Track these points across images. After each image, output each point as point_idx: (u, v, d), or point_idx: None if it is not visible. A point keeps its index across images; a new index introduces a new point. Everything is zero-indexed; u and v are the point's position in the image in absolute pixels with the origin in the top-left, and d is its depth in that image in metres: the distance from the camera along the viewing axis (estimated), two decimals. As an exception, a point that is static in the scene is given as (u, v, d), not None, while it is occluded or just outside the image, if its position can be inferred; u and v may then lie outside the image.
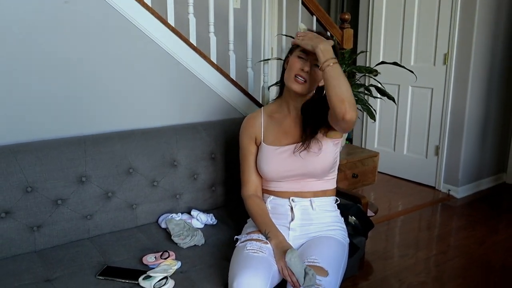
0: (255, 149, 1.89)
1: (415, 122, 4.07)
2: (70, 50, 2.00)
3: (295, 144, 1.78)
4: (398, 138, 4.23)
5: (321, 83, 1.76)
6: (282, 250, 1.63)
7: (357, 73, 2.54)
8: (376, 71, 2.41)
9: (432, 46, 3.82)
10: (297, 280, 1.50)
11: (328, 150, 1.78)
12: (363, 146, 4.55)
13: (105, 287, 1.58)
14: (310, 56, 1.69)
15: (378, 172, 4.31)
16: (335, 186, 1.89)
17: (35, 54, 1.93)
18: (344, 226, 1.87)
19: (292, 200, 1.79)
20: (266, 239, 1.71)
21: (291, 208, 1.79)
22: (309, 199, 1.79)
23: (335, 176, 1.88)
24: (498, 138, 4.01)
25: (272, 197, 1.85)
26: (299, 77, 1.70)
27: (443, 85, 3.77)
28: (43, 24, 1.91)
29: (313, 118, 1.78)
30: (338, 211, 1.89)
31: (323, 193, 1.83)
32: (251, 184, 1.90)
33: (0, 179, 1.75)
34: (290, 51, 1.79)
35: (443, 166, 3.88)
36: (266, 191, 1.89)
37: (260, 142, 1.87)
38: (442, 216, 3.51)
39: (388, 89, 4.06)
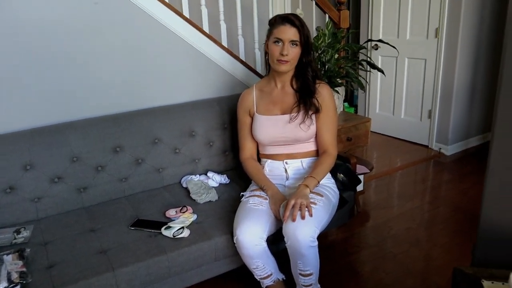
0: (249, 120, 1.91)
1: (411, 89, 3.97)
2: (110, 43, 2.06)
3: (286, 115, 1.80)
4: (397, 103, 4.15)
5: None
6: (276, 198, 1.69)
7: (349, 50, 2.48)
8: (363, 47, 2.35)
9: (425, 21, 3.66)
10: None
11: (313, 123, 1.80)
12: (366, 112, 4.48)
13: (135, 235, 1.67)
14: (285, 38, 1.69)
15: (379, 133, 4.30)
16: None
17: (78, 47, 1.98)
18: (333, 180, 1.89)
19: (286, 162, 1.83)
20: (263, 191, 1.76)
21: (286, 170, 1.84)
22: (299, 160, 1.83)
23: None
24: (484, 102, 3.85)
25: (269, 160, 1.88)
26: (281, 60, 1.71)
27: (435, 56, 3.64)
28: (77, 24, 1.97)
29: (304, 97, 1.79)
30: None
31: (312, 154, 1.86)
32: (247, 149, 1.94)
33: (53, 151, 1.85)
34: (268, 36, 1.77)
35: (435, 128, 3.79)
36: (263, 156, 1.92)
37: (254, 113, 1.89)
38: (433, 171, 3.46)
39: (387, 60, 4.02)
